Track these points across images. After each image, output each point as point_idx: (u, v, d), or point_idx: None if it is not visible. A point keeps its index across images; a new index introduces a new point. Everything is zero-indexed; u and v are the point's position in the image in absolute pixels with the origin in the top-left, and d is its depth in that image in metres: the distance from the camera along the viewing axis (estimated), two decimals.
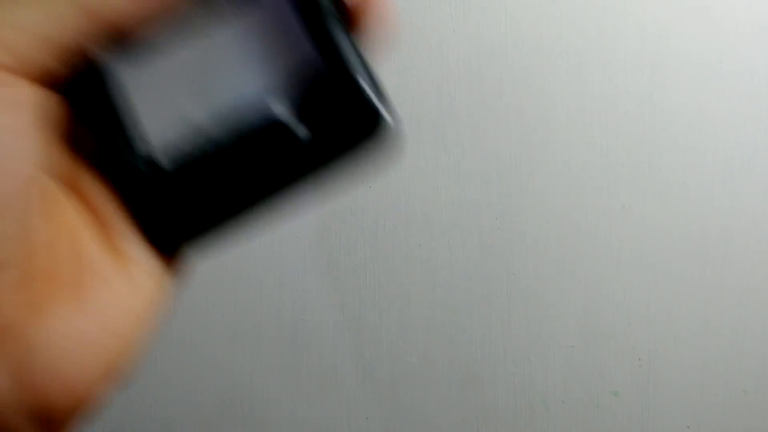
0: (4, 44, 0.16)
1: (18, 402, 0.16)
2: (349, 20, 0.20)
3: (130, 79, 0.21)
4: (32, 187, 0.17)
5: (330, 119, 0.20)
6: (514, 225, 0.40)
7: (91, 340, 0.17)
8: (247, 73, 0.21)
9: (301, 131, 0.20)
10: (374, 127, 0.20)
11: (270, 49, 0.21)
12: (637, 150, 0.40)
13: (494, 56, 0.40)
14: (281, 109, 0.20)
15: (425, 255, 0.41)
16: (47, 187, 0.18)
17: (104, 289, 0.18)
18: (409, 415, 0.41)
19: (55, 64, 0.17)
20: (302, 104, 0.20)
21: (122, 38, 0.19)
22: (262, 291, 0.42)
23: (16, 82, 0.17)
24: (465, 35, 0.40)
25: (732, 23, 0.40)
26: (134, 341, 0.18)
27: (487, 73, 0.39)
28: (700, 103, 0.40)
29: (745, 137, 0.40)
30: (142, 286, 0.18)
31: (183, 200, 0.20)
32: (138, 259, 0.18)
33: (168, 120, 0.21)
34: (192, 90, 0.22)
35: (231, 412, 0.43)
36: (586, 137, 0.39)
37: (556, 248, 0.39)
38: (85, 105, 0.20)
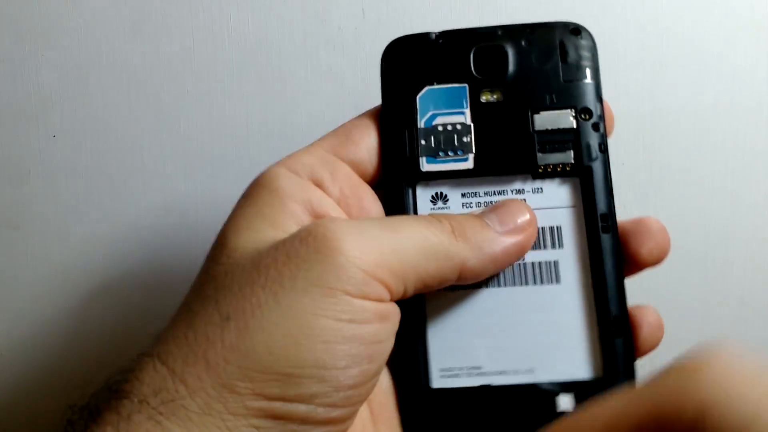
0: (396, 273, 0.21)
1: None
2: (630, 329, 0.25)
3: (438, 307, 0.25)
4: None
5: None
6: None
7: None
8: (531, 340, 0.25)
9: (563, 408, 0.24)
10: None
11: (557, 329, 0.25)
12: (637, 149, 0.40)
13: None
14: (551, 385, 0.24)
15: None
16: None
17: None
18: None
19: (411, 291, 0.22)
20: (574, 387, 0.24)
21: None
22: None
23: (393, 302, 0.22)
24: None
25: (733, 22, 0.40)
26: None
27: None
28: (700, 101, 0.40)
29: (745, 136, 0.40)
30: None
31: (434, 420, 0.24)
32: None
33: (453, 351, 0.25)
34: (481, 332, 0.25)
35: None
36: None
37: None
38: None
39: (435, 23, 0.40)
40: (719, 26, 0.40)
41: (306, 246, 0.21)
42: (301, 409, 0.20)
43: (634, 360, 0.24)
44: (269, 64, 0.40)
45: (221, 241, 0.23)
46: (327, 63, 0.40)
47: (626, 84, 0.40)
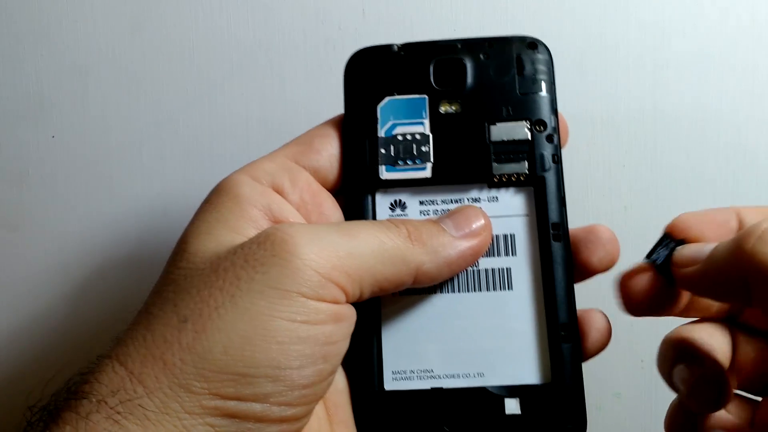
0: (351, 276, 0.22)
1: None
2: (578, 335, 0.25)
3: (393, 311, 0.26)
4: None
5: (542, 415, 0.25)
6: None
7: None
8: (482, 345, 0.25)
9: (511, 411, 0.25)
10: None
11: (508, 335, 0.26)
12: (638, 149, 0.40)
13: None
14: (500, 389, 0.25)
15: None
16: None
17: None
18: None
19: (367, 294, 0.23)
20: (522, 391, 0.25)
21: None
22: None
23: (348, 303, 0.23)
24: (465, 34, 0.40)
25: (733, 21, 0.39)
26: None
27: None
28: (701, 102, 0.40)
29: (747, 136, 0.39)
30: None
31: (387, 421, 0.25)
32: None
33: (406, 354, 0.26)
34: (434, 335, 0.26)
35: None
36: (587, 137, 0.39)
37: None
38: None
39: (435, 23, 0.40)
40: (720, 27, 0.39)
41: (263, 249, 0.21)
42: (255, 407, 0.20)
43: (581, 365, 0.25)
44: (269, 64, 0.40)
45: (182, 246, 0.23)
46: (327, 63, 0.40)
47: (627, 84, 0.40)
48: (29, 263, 0.40)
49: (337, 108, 0.41)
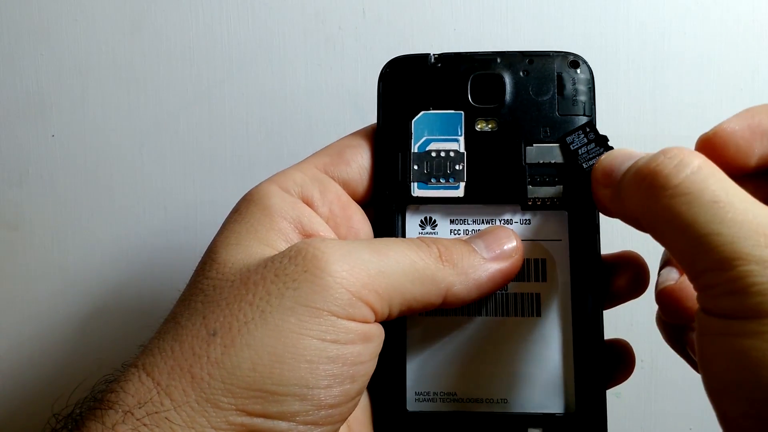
0: (381, 295, 0.22)
1: None
2: (605, 366, 0.25)
3: (419, 331, 0.26)
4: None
5: None
6: None
7: None
8: (507, 371, 0.25)
9: None
10: None
11: (534, 362, 0.25)
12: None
13: None
14: (523, 417, 0.25)
15: None
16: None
17: None
18: None
19: (396, 314, 0.23)
20: (545, 420, 0.25)
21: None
22: None
23: (376, 323, 0.22)
24: (466, 35, 0.40)
25: (734, 23, 0.39)
26: None
27: None
28: (701, 103, 0.40)
29: None
30: None
31: None
32: None
33: (430, 375, 0.25)
34: (458, 358, 0.25)
35: None
36: None
37: None
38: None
39: (435, 23, 0.40)
40: (721, 27, 0.39)
41: (295, 265, 0.21)
42: (282, 426, 0.20)
43: (605, 396, 0.25)
44: (269, 64, 0.40)
45: (211, 256, 0.23)
46: (327, 63, 0.40)
47: (627, 84, 0.40)
48: (29, 263, 0.40)
49: (337, 108, 0.41)
